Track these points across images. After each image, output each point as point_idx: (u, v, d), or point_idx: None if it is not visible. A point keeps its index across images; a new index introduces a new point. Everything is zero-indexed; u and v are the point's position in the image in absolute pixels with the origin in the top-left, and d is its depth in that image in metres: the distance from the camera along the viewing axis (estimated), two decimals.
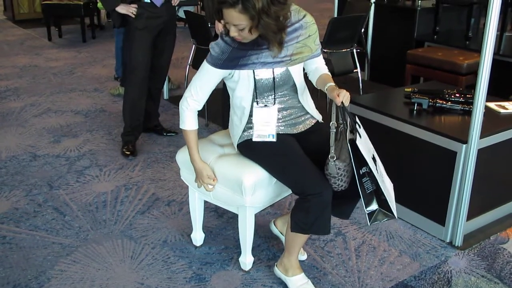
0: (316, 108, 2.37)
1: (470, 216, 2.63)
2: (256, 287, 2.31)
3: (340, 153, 2.03)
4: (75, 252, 2.54)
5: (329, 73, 2.25)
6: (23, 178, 3.29)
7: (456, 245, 2.63)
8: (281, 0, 1.95)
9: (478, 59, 2.39)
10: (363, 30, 4.71)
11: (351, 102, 2.91)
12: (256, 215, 2.35)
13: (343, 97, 2.00)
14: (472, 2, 4.90)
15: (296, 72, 2.20)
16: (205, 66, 2.15)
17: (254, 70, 2.13)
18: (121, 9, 3.41)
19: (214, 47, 2.12)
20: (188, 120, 2.23)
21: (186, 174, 2.46)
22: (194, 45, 4.26)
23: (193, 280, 2.36)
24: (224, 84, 2.33)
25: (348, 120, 2.00)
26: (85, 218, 2.85)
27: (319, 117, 2.35)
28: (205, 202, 2.54)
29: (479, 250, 2.61)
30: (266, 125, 2.20)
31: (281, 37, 2.03)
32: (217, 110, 3.04)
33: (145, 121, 3.80)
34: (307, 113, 2.30)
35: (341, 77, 4.66)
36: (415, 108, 2.83)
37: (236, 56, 2.10)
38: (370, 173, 1.99)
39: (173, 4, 3.56)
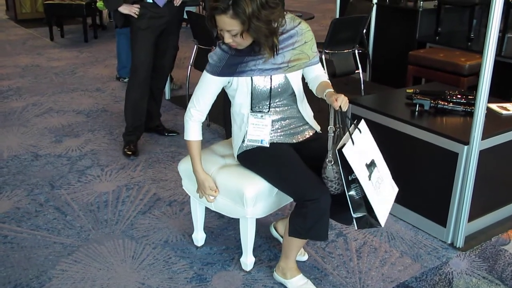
0: (318, 110, 2.37)
1: (471, 217, 2.63)
2: None
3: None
4: (76, 252, 2.54)
5: (329, 81, 2.26)
6: (25, 177, 3.30)
7: (457, 246, 2.62)
8: (271, 4, 1.98)
9: (480, 60, 2.39)
10: (365, 31, 4.72)
11: (353, 103, 2.93)
12: None
13: (341, 101, 2.01)
14: (474, 3, 4.89)
15: (295, 80, 2.22)
16: (205, 75, 2.18)
17: (252, 77, 2.14)
18: (124, 9, 3.41)
19: (212, 56, 2.15)
20: (192, 131, 2.24)
21: (188, 184, 2.47)
22: (195, 45, 4.27)
23: (194, 280, 2.36)
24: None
25: (348, 123, 2.02)
26: (86, 218, 2.85)
27: (317, 127, 2.36)
28: None
29: (480, 251, 2.61)
30: (260, 130, 2.21)
31: (273, 41, 2.05)
32: (218, 110, 3.03)
33: (147, 121, 3.80)
34: (306, 123, 2.32)
35: (343, 78, 4.68)
36: (417, 109, 2.83)
37: (234, 63, 2.12)
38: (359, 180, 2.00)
39: (175, 4, 3.57)
